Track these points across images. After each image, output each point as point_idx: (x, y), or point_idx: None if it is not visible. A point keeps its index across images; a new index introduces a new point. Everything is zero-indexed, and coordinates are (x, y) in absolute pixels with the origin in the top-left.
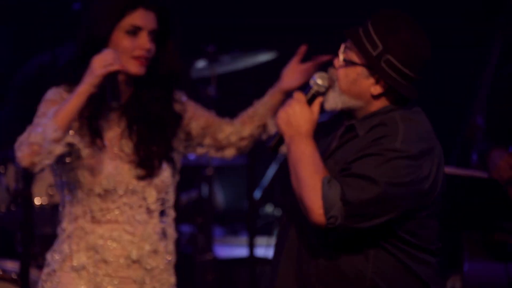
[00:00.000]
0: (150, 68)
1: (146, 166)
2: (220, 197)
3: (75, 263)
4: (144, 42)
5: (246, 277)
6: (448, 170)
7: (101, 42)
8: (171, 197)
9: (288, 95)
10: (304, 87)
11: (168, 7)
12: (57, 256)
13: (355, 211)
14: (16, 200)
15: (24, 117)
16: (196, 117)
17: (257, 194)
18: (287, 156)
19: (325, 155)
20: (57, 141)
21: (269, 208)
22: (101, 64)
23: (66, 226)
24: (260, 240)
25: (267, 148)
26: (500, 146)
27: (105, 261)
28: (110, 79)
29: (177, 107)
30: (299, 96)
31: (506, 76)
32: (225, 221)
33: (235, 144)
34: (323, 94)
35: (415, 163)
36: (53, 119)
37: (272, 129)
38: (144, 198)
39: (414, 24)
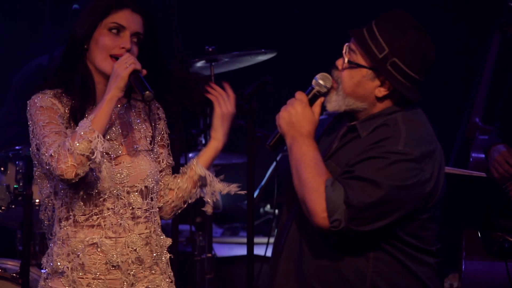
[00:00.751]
0: None
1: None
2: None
3: (59, 267)
4: (125, 41)
5: (244, 276)
6: (447, 169)
7: (83, 39)
8: (156, 203)
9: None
10: (305, 89)
11: (153, 15)
12: (47, 261)
13: (359, 214)
14: (16, 199)
15: (23, 117)
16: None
17: (255, 193)
18: (288, 156)
19: (326, 155)
20: (103, 150)
21: (268, 208)
22: (123, 66)
23: (55, 229)
24: (259, 240)
25: (266, 147)
26: (503, 143)
27: (84, 266)
28: (135, 77)
29: (153, 117)
30: (301, 96)
31: None
32: (224, 221)
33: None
34: (324, 94)
35: (418, 165)
36: (93, 129)
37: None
38: (129, 204)
39: (419, 26)
